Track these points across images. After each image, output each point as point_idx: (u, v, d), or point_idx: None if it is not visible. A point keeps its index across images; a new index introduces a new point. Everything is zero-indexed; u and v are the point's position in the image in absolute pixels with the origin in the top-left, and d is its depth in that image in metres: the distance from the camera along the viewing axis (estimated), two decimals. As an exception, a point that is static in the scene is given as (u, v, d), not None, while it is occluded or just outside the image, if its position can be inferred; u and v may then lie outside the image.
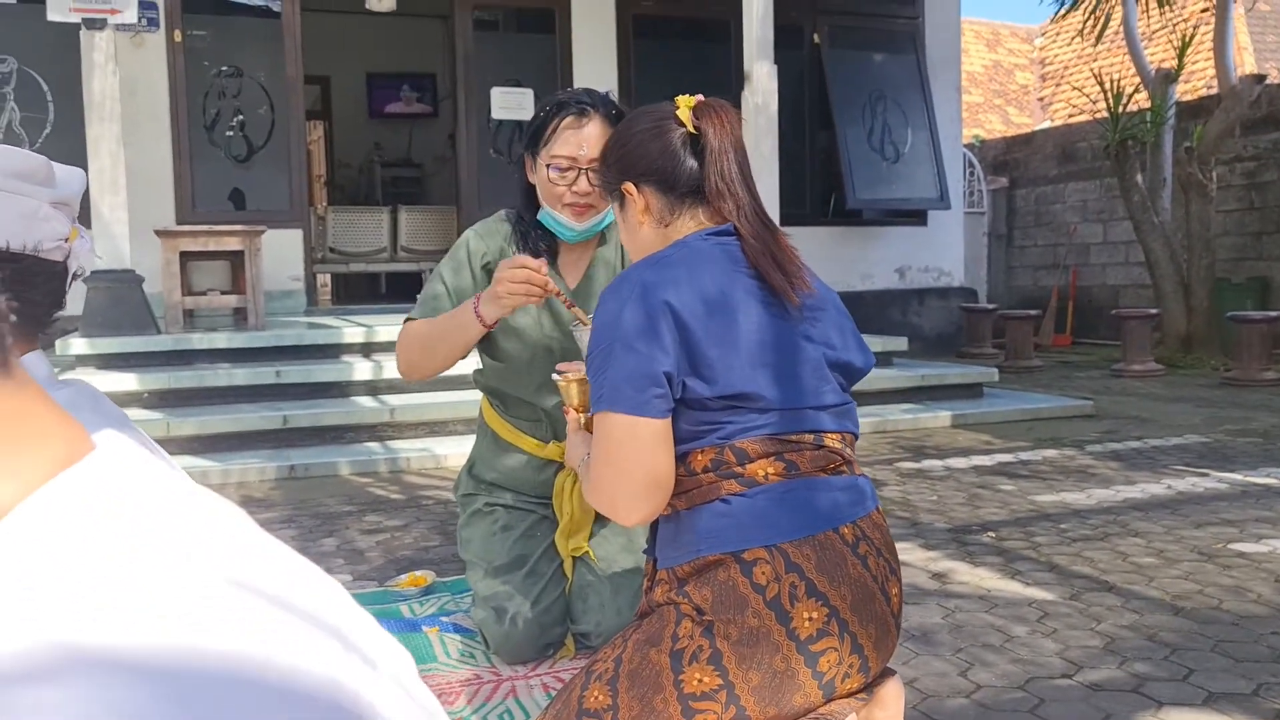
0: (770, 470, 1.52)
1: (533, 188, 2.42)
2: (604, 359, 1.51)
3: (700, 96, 1.68)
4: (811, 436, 1.56)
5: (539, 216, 2.40)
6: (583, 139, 2.27)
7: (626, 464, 1.50)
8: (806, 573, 1.48)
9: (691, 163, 1.63)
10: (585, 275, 2.53)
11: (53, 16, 5.53)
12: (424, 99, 12.49)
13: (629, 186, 1.68)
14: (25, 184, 1.27)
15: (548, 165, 2.30)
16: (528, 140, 2.39)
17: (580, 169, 2.28)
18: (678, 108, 1.65)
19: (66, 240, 1.34)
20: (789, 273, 1.59)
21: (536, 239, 2.45)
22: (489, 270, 2.47)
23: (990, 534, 3.78)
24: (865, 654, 1.52)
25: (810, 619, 1.47)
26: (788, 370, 1.56)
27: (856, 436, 1.67)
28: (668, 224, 1.66)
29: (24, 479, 0.51)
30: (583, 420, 1.82)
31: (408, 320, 2.44)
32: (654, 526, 1.68)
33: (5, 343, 0.52)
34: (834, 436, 1.59)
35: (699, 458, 1.54)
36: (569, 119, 2.29)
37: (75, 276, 1.36)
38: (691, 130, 1.63)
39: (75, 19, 5.57)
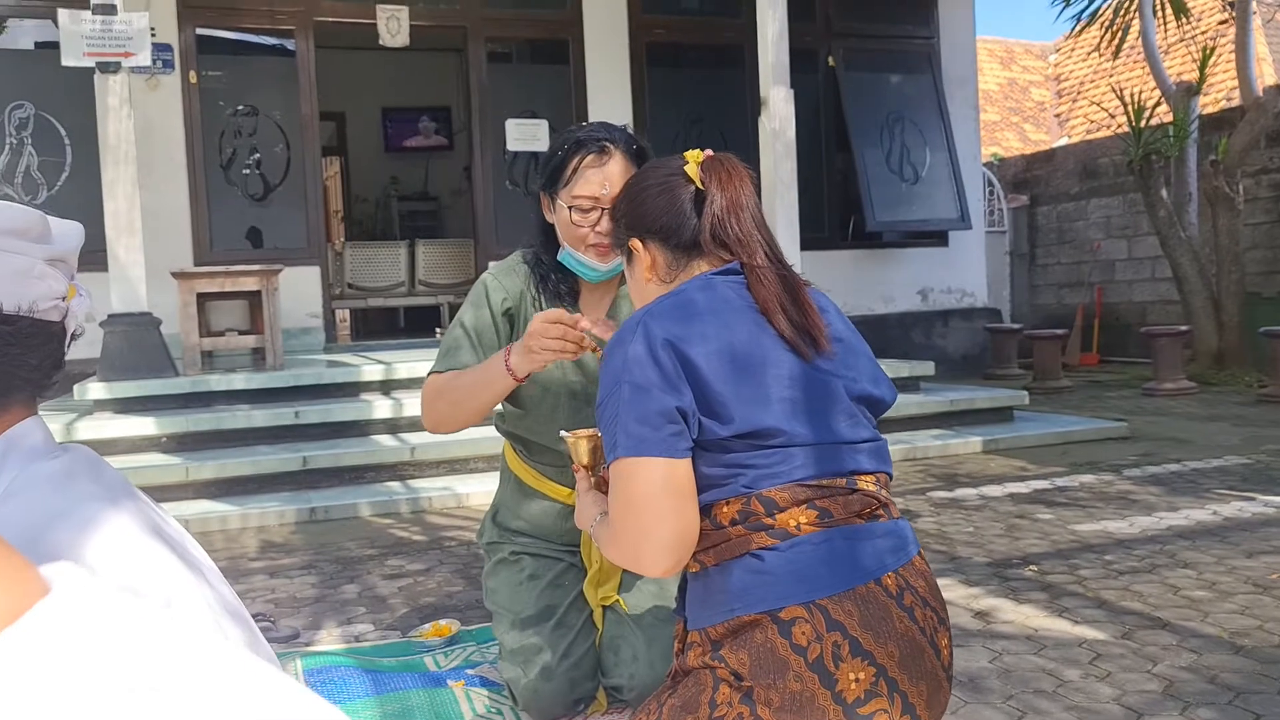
0: (803, 520, 1.44)
1: (550, 226, 2.33)
2: (612, 404, 1.46)
3: (709, 151, 1.65)
4: (844, 481, 1.47)
5: (560, 257, 2.30)
6: (605, 177, 2.18)
7: (649, 510, 1.41)
8: (850, 630, 1.38)
9: (695, 219, 1.61)
10: (609, 315, 2.43)
11: (67, 62, 5.52)
12: (439, 132, 12.50)
13: (635, 243, 1.66)
14: (18, 241, 1.18)
15: (569, 207, 2.20)
16: (545, 180, 2.29)
17: (603, 209, 2.18)
18: (687, 163, 1.63)
19: (64, 299, 1.26)
20: (806, 318, 1.53)
21: (557, 281, 2.36)
22: (509, 315, 2.38)
23: (1032, 568, 3.65)
24: (917, 713, 1.42)
25: (857, 680, 1.38)
26: (810, 404, 1.48)
27: (891, 477, 1.58)
28: (672, 280, 1.64)
29: None
30: (593, 480, 1.74)
31: (431, 373, 2.33)
32: (682, 586, 1.59)
33: None
34: (868, 479, 1.50)
35: (725, 509, 1.45)
36: (590, 157, 2.19)
37: (74, 336, 1.28)
38: (699, 186, 1.61)
39: (89, 64, 5.56)
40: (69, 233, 1.31)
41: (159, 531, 1.18)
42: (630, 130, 2.31)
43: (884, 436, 1.59)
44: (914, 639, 1.42)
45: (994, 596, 3.33)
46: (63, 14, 5.63)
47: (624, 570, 2.50)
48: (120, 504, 1.14)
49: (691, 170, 1.61)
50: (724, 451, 1.44)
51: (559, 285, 2.36)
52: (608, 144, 2.20)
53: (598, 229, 2.20)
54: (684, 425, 1.42)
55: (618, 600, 2.49)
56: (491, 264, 2.55)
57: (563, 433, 1.81)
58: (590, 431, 1.75)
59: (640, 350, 1.45)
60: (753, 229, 1.59)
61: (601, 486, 1.75)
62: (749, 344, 1.48)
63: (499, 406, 2.57)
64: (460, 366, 2.31)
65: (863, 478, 1.49)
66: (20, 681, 0.41)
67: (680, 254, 1.62)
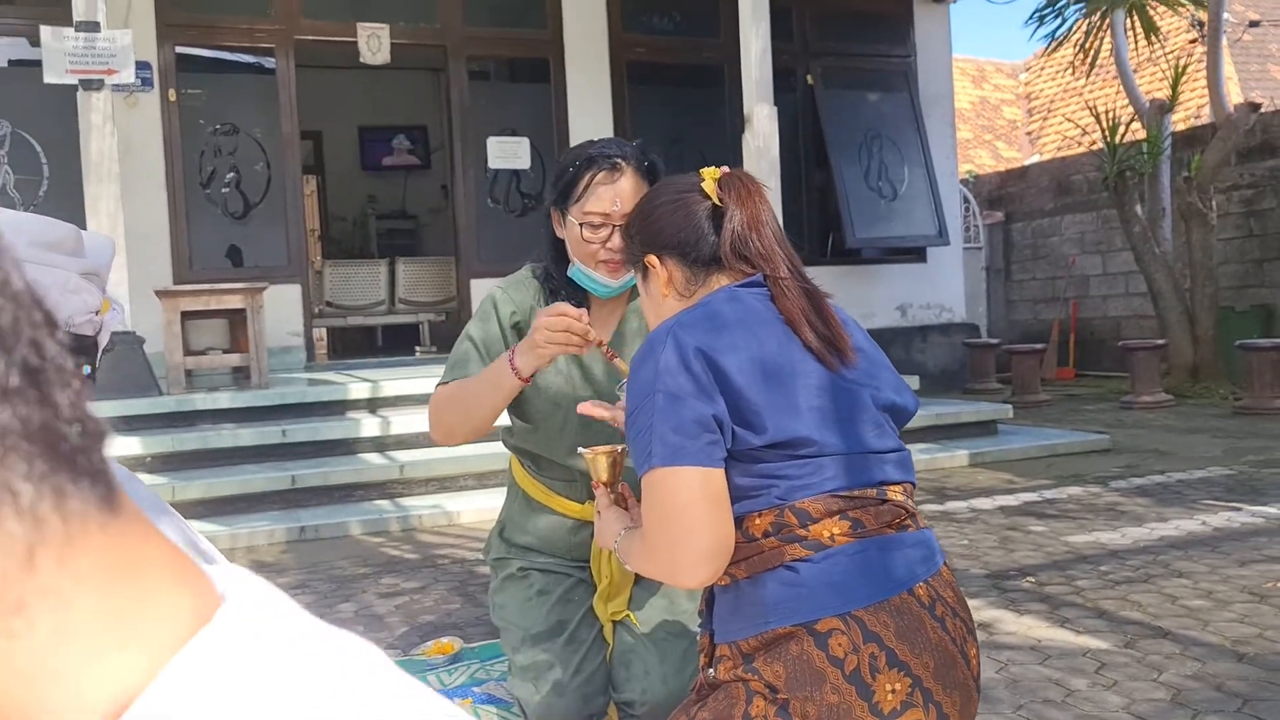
0: (836, 531, 1.43)
1: (561, 241, 2.33)
2: (645, 413, 1.43)
3: (726, 168, 1.66)
4: (875, 491, 1.47)
5: (570, 273, 2.30)
6: (616, 194, 2.17)
7: (687, 519, 1.40)
8: (886, 641, 1.38)
9: (714, 236, 1.60)
10: (617, 330, 2.43)
11: (49, 79, 5.47)
12: (416, 151, 12.47)
13: (652, 259, 1.65)
14: (54, 255, 1.17)
15: (580, 224, 2.20)
16: (556, 196, 2.29)
17: (614, 226, 2.18)
18: (703, 180, 1.63)
19: (97, 313, 1.24)
20: (831, 329, 1.53)
21: (567, 295, 2.35)
22: (519, 328, 2.37)
23: (1030, 579, 3.67)
24: None
25: (893, 691, 1.37)
26: (839, 413, 1.48)
27: (915, 486, 1.58)
28: (690, 296, 1.63)
29: (151, 650, 0.39)
30: (612, 496, 1.74)
31: (439, 385, 2.31)
32: (709, 599, 1.58)
33: (110, 472, 0.40)
34: (897, 489, 1.51)
35: (757, 521, 1.44)
36: (601, 174, 2.19)
37: (105, 351, 1.27)
38: (717, 202, 1.60)
39: (72, 80, 5.51)
40: (102, 247, 1.29)
41: (196, 547, 1.16)
42: (642, 146, 2.31)
43: (908, 450, 1.60)
44: (947, 649, 1.42)
45: (994, 608, 3.35)
46: (45, 31, 5.58)
47: (633, 585, 2.49)
48: (158, 520, 1.13)
49: (709, 187, 1.61)
50: (756, 461, 1.44)
51: (569, 300, 2.35)
52: (619, 161, 2.20)
53: (608, 245, 2.20)
54: (719, 434, 1.41)
55: (628, 615, 2.47)
56: (499, 279, 2.55)
57: (581, 449, 1.80)
58: (608, 447, 1.74)
59: (672, 359, 1.43)
60: (774, 243, 1.59)
61: (621, 503, 1.73)
62: (778, 354, 1.47)
63: (507, 421, 2.56)
64: (466, 376, 2.30)
65: (891, 488, 1.49)
66: (206, 702, 0.39)
67: (699, 269, 1.62)
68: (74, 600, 0.34)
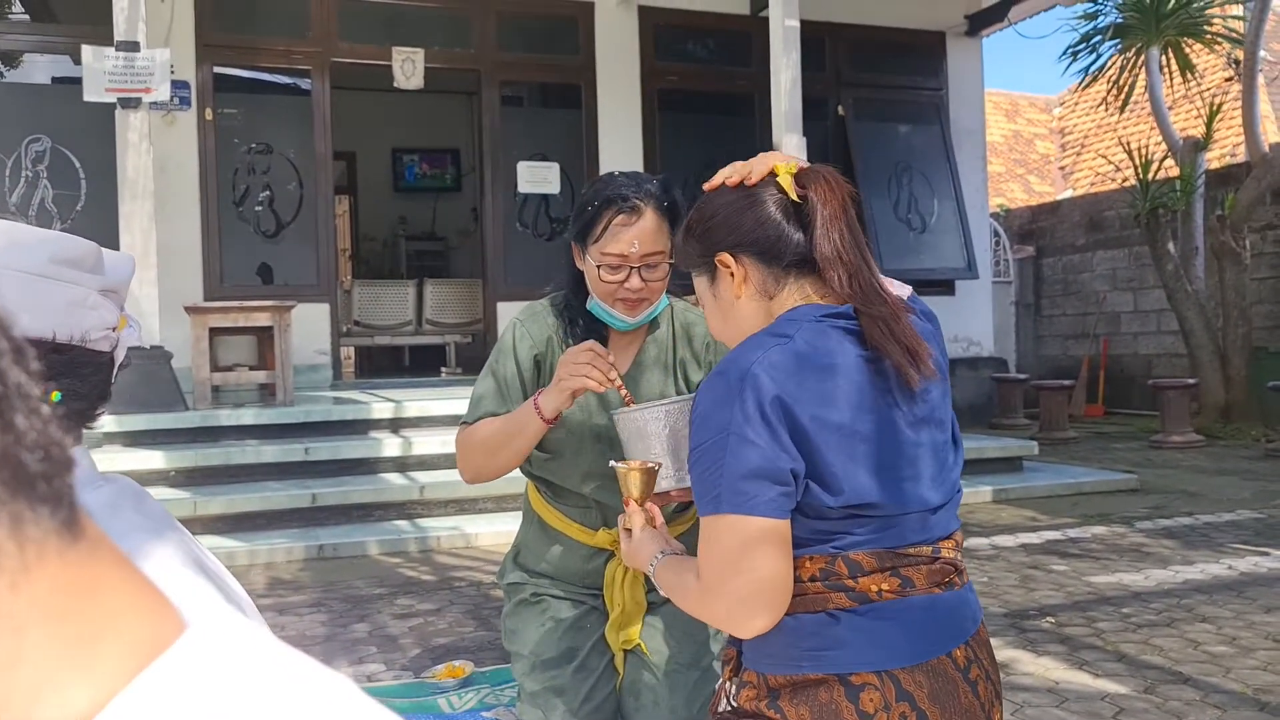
0: (884, 586, 1.39)
1: (580, 273, 2.33)
2: (715, 453, 1.36)
3: (802, 162, 1.54)
4: (930, 549, 1.43)
5: (589, 307, 2.31)
6: (634, 236, 2.17)
7: (750, 571, 1.34)
8: (919, 702, 1.35)
9: (797, 233, 1.47)
10: (635, 361, 2.43)
11: (89, 97, 5.57)
12: (447, 173, 12.58)
13: (725, 258, 1.50)
14: (73, 271, 1.18)
15: (598, 265, 2.21)
16: (575, 232, 2.30)
17: (632, 267, 2.18)
18: (776, 174, 1.50)
19: (114, 329, 1.26)
20: (914, 352, 1.42)
21: (585, 327, 2.35)
22: (537, 361, 2.38)
23: (1049, 619, 3.62)
24: None
25: None
26: (909, 470, 1.42)
27: (962, 530, 1.53)
28: (772, 296, 1.50)
29: (100, 679, 0.39)
30: (645, 515, 1.70)
31: (463, 424, 2.34)
32: None
33: (73, 498, 0.40)
34: (949, 543, 1.46)
35: (807, 565, 1.40)
36: (620, 216, 2.19)
37: (121, 367, 1.28)
38: (794, 198, 1.48)
39: (111, 99, 5.60)
40: (121, 264, 1.31)
41: (200, 565, 1.17)
42: (664, 183, 2.30)
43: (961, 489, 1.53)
44: (975, 713, 1.38)
45: (1012, 648, 3.30)
46: (86, 50, 5.69)
47: (646, 614, 2.48)
48: (164, 536, 1.13)
49: (784, 181, 1.49)
50: (820, 517, 1.38)
51: (587, 331, 2.36)
52: (638, 202, 2.20)
53: (626, 285, 2.21)
54: (793, 487, 1.35)
55: (639, 645, 2.46)
56: (518, 309, 2.56)
57: (614, 463, 1.77)
58: (641, 463, 1.69)
59: (751, 404, 1.35)
60: (862, 248, 1.47)
61: (653, 522, 1.67)
62: (859, 407, 1.39)
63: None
64: (488, 414, 2.31)
65: (945, 544, 1.45)
66: None
67: (780, 271, 1.49)
68: (27, 627, 0.34)
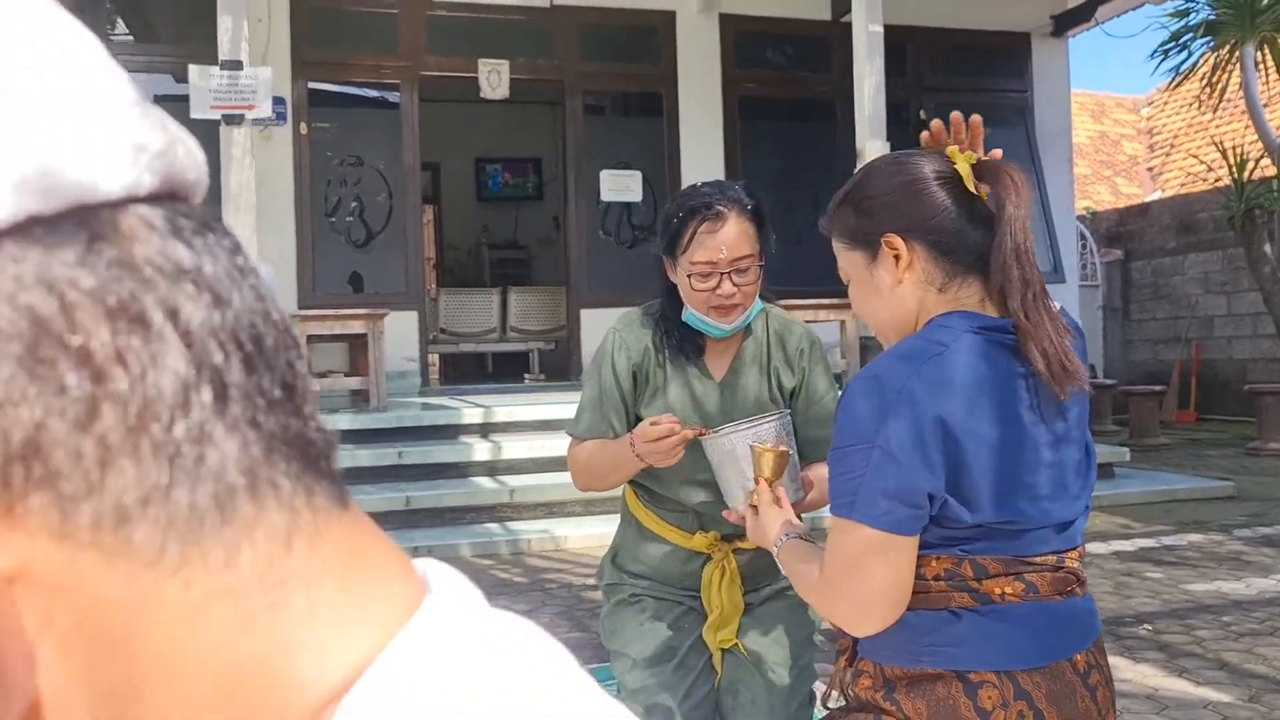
0: (1008, 590, 1.40)
1: (673, 285, 2.40)
2: (859, 461, 1.36)
3: (979, 153, 1.46)
4: (1055, 559, 1.43)
5: (684, 317, 2.37)
6: (720, 242, 2.23)
7: (874, 581, 1.37)
8: (1036, 701, 1.36)
9: (976, 231, 1.40)
10: (731, 368, 2.48)
11: (196, 114, 5.80)
12: (529, 182, 12.77)
13: (895, 241, 1.41)
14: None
15: (689, 275, 2.27)
16: (664, 246, 2.36)
17: (722, 273, 2.24)
18: (953, 162, 1.42)
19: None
20: (1070, 372, 1.38)
21: (681, 337, 2.42)
22: (634, 371, 2.45)
23: (1146, 626, 3.58)
24: None
25: None
26: (1046, 488, 1.43)
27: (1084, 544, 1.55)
28: (938, 289, 1.42)
29: (376, 628, 0.46)
30: (773, 494, 1.74)
31: (571, 436, 2.46)
32: None
33: (339, 475, 0.48)
34: (1073, 555, 1.46)
35: (933, 564, 1.42)
36: (705, 224, 2.25)
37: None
38: (973, 190, 1.42)
39: (216, 116, 5.83)
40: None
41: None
42: (747, 188, 2.36)
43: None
44: (1091, 718, 1.39)
45: (1109, 654, 3.27)
46: (193, 69, 5.93)
47: (743, 614, 2.53)
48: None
49: (963, 169, 1.40)
50: (953, 528, 1.39)
51: (685, 341, 2.42)
52: (721, 208, 2.25)
53: (718, 292, 2.26)
54: (927, 509, 1.35)
55: (737, 644, 2.51)
56: (605, 315, 2.64)
57: (752, 444, 1.85)
58: (774, 447, 1.74)
59: (906, 421, 1.33)
60: (1031, 258, 1.39)
61: (779, 502, 1.73)
62: (1007, 425, 1.38)
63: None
64: (590, 428, 2.40)
65: (1070, 555, 1.46)
66: (426, 672, 0.44)
67: (950, 266, 1.41)
68: (321, 581, 0.41)
